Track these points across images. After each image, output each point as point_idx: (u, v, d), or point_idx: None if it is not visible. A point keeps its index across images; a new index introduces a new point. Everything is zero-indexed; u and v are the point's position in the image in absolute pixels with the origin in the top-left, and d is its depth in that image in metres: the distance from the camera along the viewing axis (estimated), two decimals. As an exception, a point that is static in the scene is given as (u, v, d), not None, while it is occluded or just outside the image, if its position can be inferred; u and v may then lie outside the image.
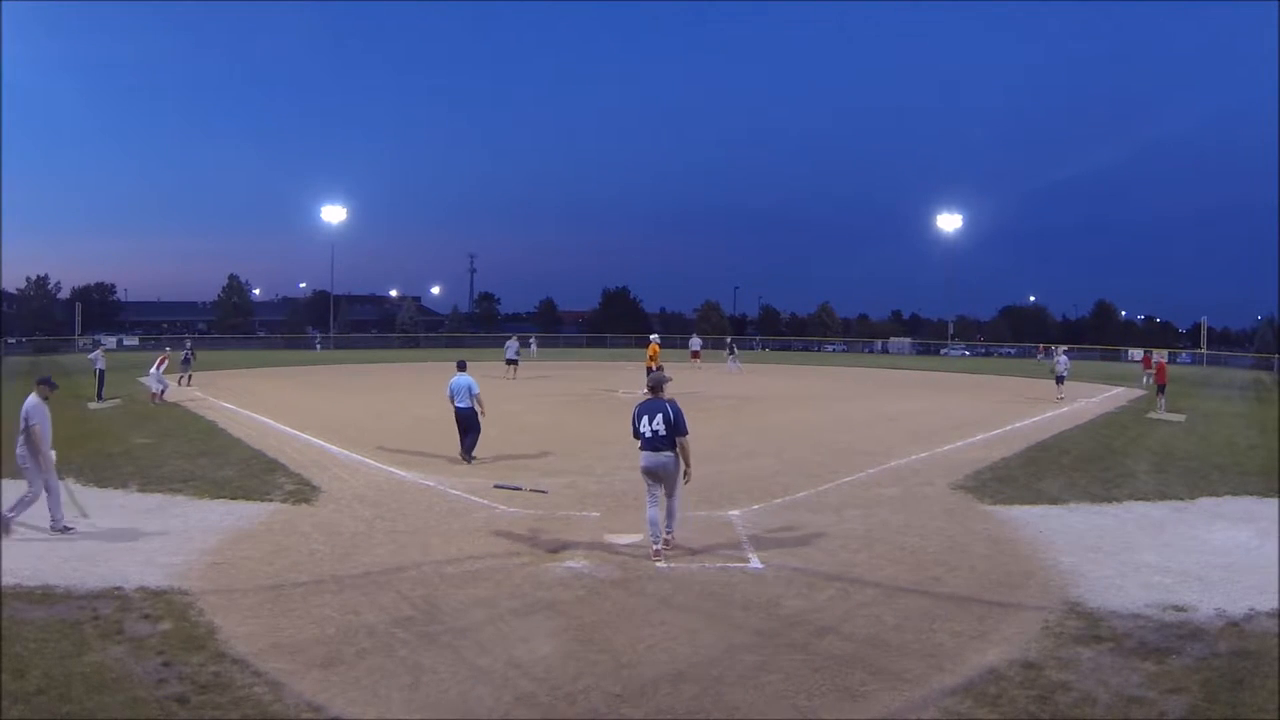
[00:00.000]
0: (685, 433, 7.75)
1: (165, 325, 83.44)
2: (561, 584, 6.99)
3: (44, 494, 8.36)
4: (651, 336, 28.05)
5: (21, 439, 8.36)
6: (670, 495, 7.88)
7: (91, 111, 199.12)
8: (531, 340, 47.76)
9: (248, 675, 5.07)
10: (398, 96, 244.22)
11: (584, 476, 11.60)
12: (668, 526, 7.93)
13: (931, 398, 25.87)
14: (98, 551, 7.69)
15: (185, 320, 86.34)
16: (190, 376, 26.72)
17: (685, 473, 7.83)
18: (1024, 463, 13.18)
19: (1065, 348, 27.82)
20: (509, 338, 34.80)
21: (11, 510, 8.27)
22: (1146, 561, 7.70)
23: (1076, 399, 25.66)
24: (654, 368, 25.11)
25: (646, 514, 7.96)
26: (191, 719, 4.54)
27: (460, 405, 12.97)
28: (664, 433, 7.65)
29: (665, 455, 7.69)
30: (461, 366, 13.54)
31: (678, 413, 7.74)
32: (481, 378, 13.95)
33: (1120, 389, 29.75)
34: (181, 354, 27.45)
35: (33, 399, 8.50)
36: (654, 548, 7.76)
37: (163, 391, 22.47)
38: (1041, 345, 70.09)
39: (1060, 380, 25.65)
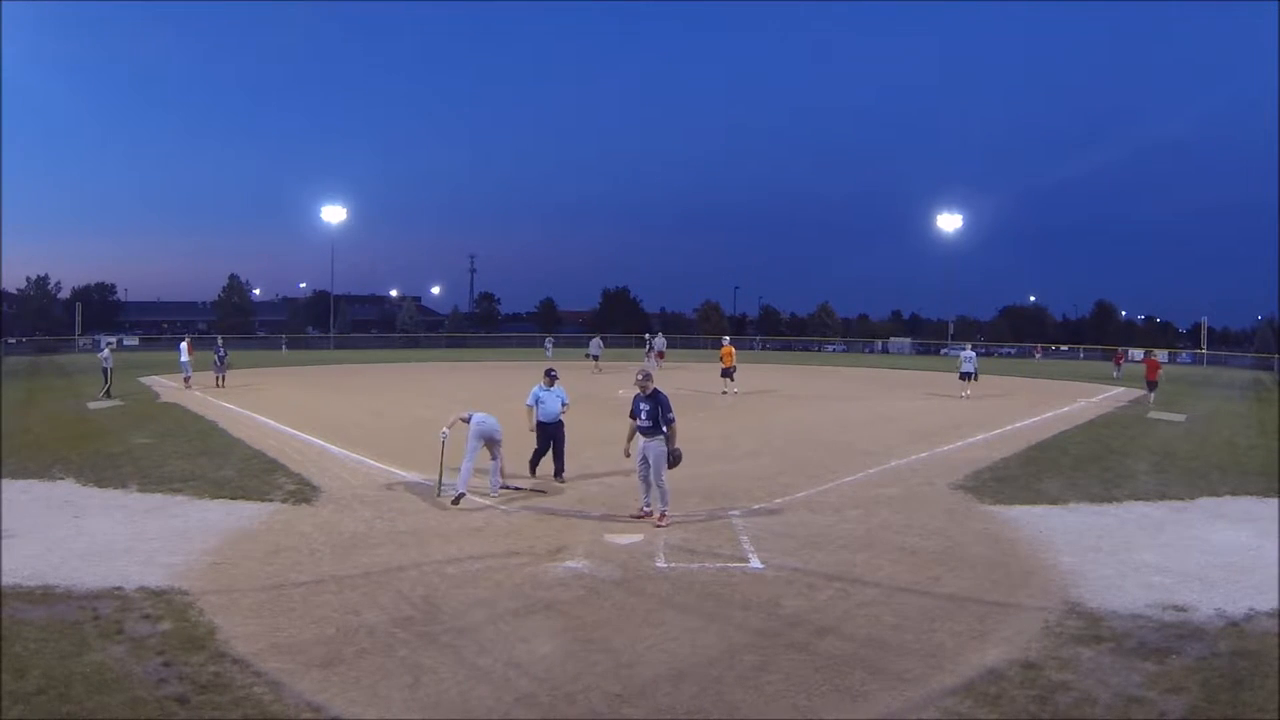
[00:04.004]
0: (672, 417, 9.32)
1: (165, 325, 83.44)
2: (561, 584, 6.99)
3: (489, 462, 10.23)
4: (724, 339, 28.29)
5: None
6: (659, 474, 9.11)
7: (91, 111, 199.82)
8: (548, 341, 48.93)
9: (248, 675, 5.08)
10: (398, 97, 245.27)
11: (584, 477, 11.60)
12: (662, 501, 9.04)
13: (927, 396, 25.86)
14: (98, 551, 7.69)
15: (185, 320, 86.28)
16: (224, 376, 26.45)
17: (673, 448, 9.15)
18: (1024, 463, 13.18)
19: (971, 344, 26.91)
20: (593, 337, 41.78)
21: (497, 479, 10.30)
22: (1146, 561, 7.70)
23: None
24: (728, 368, 25.24)
25: (639, 484, 9.24)
26: (191, 719, 4.55)
27: (545, 419, 11.23)
28: (657, 418, 9.08)
29: (658, 438, 9.06)
30: (552, 377, 11.48)
31: (668, 401, 9.32)
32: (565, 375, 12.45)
33: (1119, 389, 29.75)
34: (214, 353, 27.28)
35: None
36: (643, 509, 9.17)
37: (189, 378, 25.31)
38: (1039, 345, 70.26)
39: (964, 376, 24.44)
